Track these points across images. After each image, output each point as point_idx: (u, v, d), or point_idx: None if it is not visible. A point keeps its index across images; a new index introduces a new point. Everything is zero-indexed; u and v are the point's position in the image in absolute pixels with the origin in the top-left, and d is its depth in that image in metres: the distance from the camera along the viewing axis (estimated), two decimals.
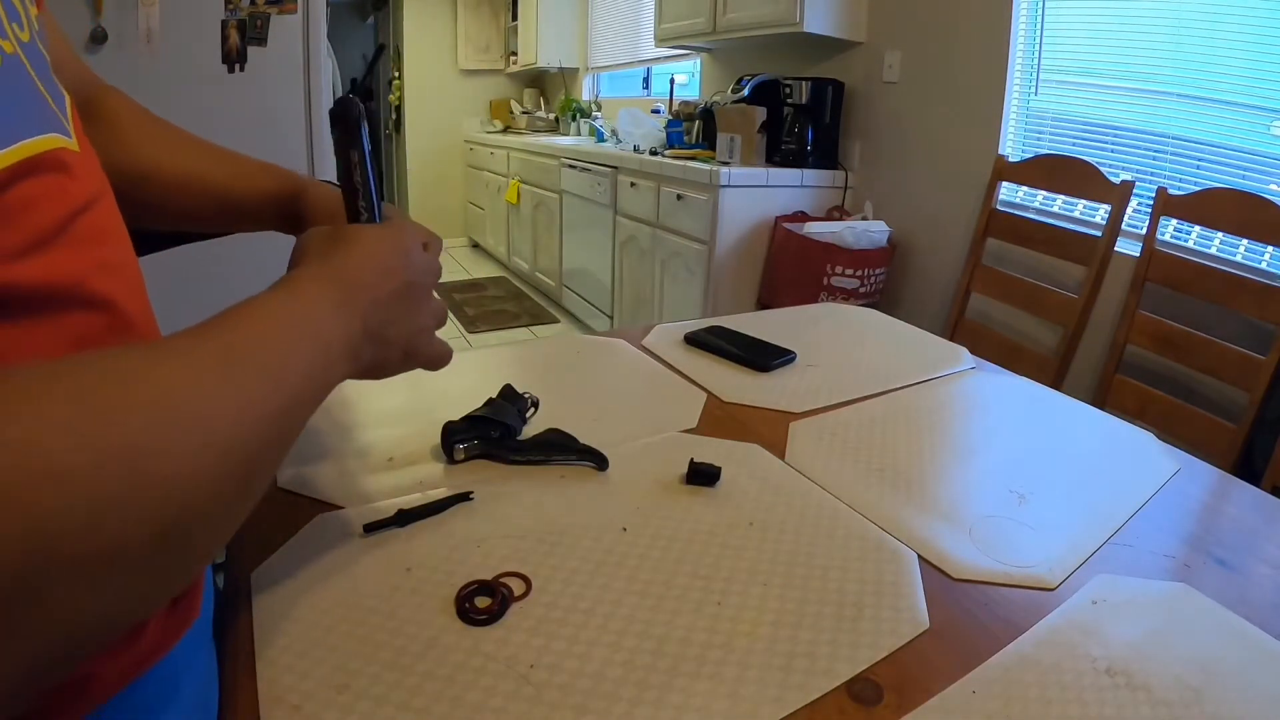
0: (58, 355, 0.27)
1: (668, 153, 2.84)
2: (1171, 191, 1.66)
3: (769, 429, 0.72)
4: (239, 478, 0.25)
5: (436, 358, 0.45)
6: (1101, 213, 1.82)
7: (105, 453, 0.20)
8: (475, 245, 5.38)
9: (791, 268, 2.34)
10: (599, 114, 4.32)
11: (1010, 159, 2.03)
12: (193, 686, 0.40)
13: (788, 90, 2.53)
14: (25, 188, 0.27)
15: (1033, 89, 2.04)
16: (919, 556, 0.53)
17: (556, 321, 3.69)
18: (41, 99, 0.30)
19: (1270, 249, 1.56)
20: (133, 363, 0.23)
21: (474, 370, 0.86)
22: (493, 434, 0.64)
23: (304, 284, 0.35)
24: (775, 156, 2.62)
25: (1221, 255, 1.66)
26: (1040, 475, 0.66)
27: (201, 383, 0.24)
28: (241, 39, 1.84)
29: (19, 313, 0.26)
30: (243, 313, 0.30)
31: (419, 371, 0.91)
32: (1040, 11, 1.97)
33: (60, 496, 0.19)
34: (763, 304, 2.52)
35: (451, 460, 0.63)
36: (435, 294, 0.46)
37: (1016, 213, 2.03)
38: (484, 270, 4.78)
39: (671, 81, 3.43)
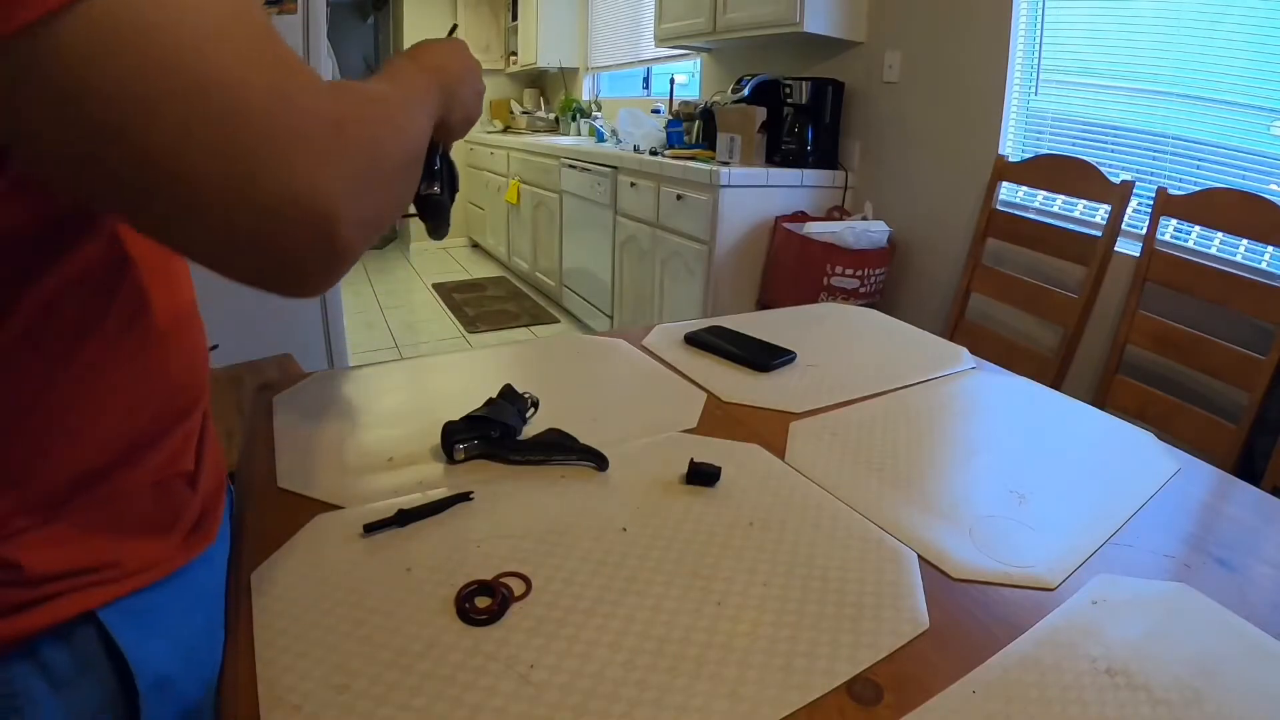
0: (62, 286, 0.37)
1: (668, 153, 2.83)
2: (1171, 191, 1.66)
3: (769, 429, 0.72)
4: (411, 159, 0.42)
5: (475, 117, 0.63)
6: (1101, 213, 1.82)
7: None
8: (475, 245, 5.38)
9: (791, 268, 2.34)
10: (599, 114, 4.32)
11: (1010, 159, 2.03)
12: (193, 625, 0.44)
13: (788, 90, 2.53)
14: None
15: (1033, 89, 2.03)
16: (919, 556, 0.53)
17: (556, 321, 3.69)
18: None
19: (1270, 249, 1.56)
20: (383, 93, 0.41)
21: (474, 370, 0.86)
22: (493, 434, 0.64)
23: (409, 71, 0.51)
24: (775, 156, 2.62)
25: (1221, 255, 1.66)
26: (1040, 475, 0.66)
27: (404, 109, 0.43)
28: None
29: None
30: (397, 76, 0.49)
31: (419, 370, 0.91)
32: (1040, 11, 1.97)
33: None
34: (763, 304, 2.52)
35: (451, 460, 0.63)
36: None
37: (1016, 213, 2.02)
38: (484, 270, 4.77)
39: (671, 81, 3.43)
